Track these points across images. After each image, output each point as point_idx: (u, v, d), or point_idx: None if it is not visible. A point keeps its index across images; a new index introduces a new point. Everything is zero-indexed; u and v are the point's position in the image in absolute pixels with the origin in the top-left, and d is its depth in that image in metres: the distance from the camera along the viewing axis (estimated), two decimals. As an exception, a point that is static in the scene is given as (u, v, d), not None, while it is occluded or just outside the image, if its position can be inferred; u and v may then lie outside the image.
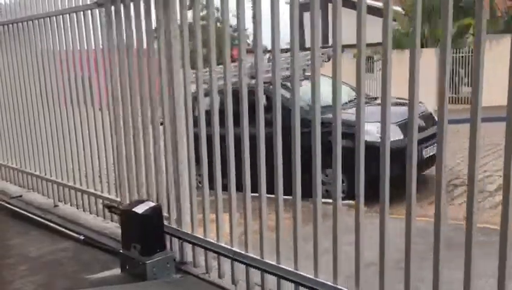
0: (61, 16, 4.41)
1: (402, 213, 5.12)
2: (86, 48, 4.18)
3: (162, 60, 3.38)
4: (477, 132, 1.94)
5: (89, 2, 4.02)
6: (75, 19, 4.22)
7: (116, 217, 4.13)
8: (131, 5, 3.56)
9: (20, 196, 5.37)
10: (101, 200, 4.38)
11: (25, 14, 4.89)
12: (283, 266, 2.78)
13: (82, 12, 4.11)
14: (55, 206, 5.00)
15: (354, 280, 2.45)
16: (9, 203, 5.06)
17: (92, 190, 4.46)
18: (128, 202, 3.95)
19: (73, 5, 4.19)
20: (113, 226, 4.24)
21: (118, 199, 4.11)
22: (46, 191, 5.16)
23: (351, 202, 4.49)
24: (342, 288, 2.48)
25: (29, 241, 4.18)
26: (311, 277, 2.62)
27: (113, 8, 3.73)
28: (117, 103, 3.89)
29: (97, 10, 3.96)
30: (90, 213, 4.57)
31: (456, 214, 5.19)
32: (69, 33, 4.34)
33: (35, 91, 5.01)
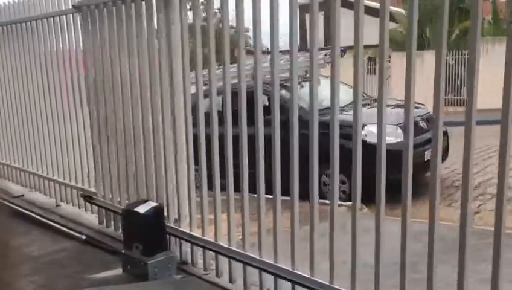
0: (45, 19, 4.67)
1: (409, 215, 5.10)
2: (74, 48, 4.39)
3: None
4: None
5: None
6: (59, 23, 4.52)
7: (94, 207, 4.46)
8: (105, 10, 3.84)
9: (22, 196, 5.39)
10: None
11: (12, 17, 5.15)
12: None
13: (64, 16, 4.40)
14: (57, 205, 5.02)
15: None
16: (11, 203, 5.07)
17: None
18: (103, 193, 4.24)
19: (57, 9, 4.49)
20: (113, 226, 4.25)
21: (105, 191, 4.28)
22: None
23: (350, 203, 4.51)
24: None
25: (31, 240, 4.19)
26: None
27: (88, 12, 4.02)
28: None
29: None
30: (92, 213, 4.57)
31: (457, 216, 5.17)
32: (52, 35, 4.63)
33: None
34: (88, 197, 4.44)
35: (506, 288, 2.03)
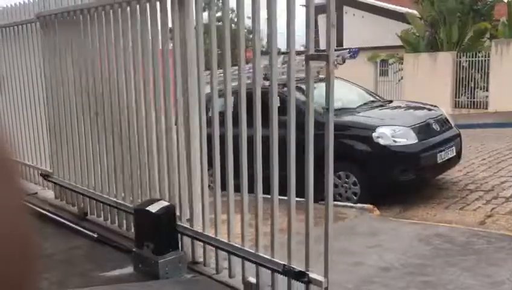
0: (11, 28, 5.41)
1: (422, 218, 5.06)
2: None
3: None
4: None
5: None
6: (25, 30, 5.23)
7: (51, 185, 5.17)
8: (56, 19, 4.53)
9: (36, 193, 5.44)
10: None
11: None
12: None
13: (30, 24, 5.11)
14: (70, 203, 5.05)
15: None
16: (24, 200, 5.11)
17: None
18: (58, 173, 4.86)
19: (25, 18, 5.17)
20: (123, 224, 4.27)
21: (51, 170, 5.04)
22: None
23: (365, 206, 4.47)
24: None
25: (43, 238, 4.22)
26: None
27: (44, 21, 4.71)
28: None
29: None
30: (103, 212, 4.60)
31: (470, 219, 5.14)
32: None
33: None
34: (47, 176, 5.12)
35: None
